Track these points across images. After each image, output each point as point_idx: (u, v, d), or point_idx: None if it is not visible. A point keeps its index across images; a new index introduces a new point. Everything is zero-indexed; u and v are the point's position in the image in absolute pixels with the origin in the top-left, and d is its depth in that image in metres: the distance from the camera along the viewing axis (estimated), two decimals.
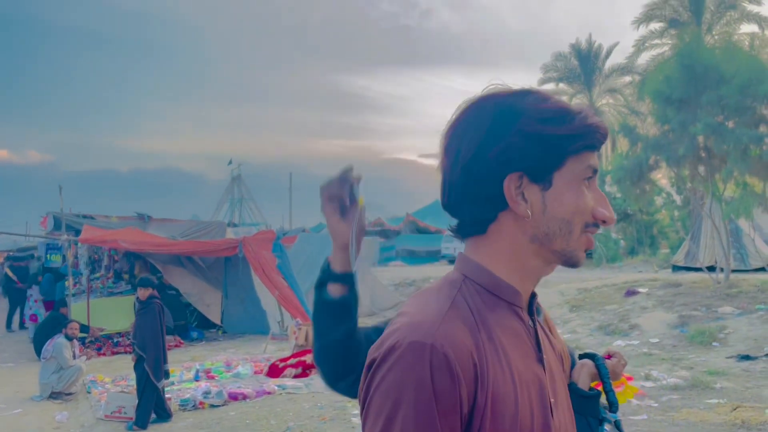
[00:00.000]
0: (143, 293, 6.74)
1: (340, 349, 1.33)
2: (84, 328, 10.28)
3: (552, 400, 0.96)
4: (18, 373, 9.77)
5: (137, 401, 6.57)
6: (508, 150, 0.92)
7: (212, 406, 7.25)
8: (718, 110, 12.37)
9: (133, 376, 6.91)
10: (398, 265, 26.84)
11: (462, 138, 0.95)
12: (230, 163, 42.48)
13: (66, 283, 11.84)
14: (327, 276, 1.35)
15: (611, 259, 23.29)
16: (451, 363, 0.83)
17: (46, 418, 7.25)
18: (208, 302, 13.02)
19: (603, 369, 1.79)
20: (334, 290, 1.33)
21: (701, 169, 13.30)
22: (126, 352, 10.20)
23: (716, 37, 23.68)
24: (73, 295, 11.68)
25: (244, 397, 7.51)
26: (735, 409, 6.26)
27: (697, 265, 15.27)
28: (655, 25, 26.51)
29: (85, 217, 13.39)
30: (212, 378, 8.62)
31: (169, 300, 11.83)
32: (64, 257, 12.66)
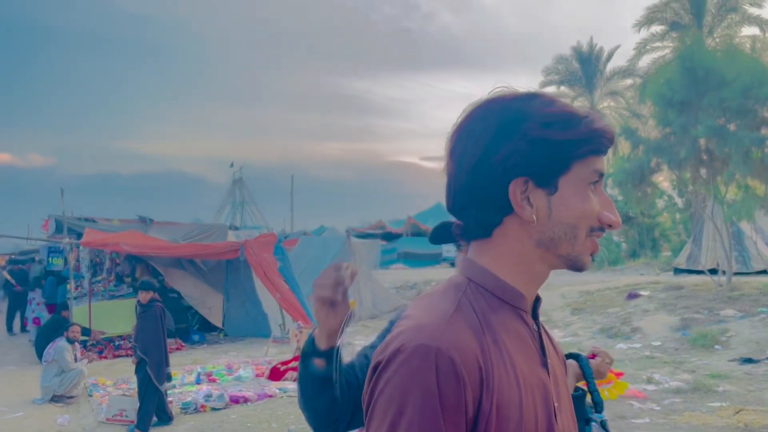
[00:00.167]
0: (145, 296, 6.74)
1: (323, 412, 1.44)
2: (85, 331, 10.27)
3: (556, 404, 0.95)
4: (19, 376, 9.76)
5: (139, 404, 6.57)
6: (514, 155, 0.92)
7: (213, 409, 7.25)
8: (719, 113, 12.36)
9: (134, 379, 6.90)
10: (399, 267, 26.81)
11: (467, 142, 0.95)
12: (232, 165, 42.39)
13: (68, 286, 11.84)
14: (312, 351, 1.43)
15: (613, 262, 23.27)
16: (456, 367, 0.82)
17: (47, 422, 7.24)
18: (210, 305, 13.01)
19: (587, 369, 1.80)
20: (319, 363, 1.42)
21: (703, 171, 13.28)
22: (127, 355, 10.18)
23: (717, 39, 23.66)
24: (75, 298, 11.68)
25: (246, 400, 7.50)
26: (738, 413, 6.25)
27: (699, 268, 15.24)
28: (657, 28, 26.51)
29: (86, 220, 13.37)
30: (214, 381, 8.62)
31: (171, 303, 11.84)
32: (65, 260, 12.65)
